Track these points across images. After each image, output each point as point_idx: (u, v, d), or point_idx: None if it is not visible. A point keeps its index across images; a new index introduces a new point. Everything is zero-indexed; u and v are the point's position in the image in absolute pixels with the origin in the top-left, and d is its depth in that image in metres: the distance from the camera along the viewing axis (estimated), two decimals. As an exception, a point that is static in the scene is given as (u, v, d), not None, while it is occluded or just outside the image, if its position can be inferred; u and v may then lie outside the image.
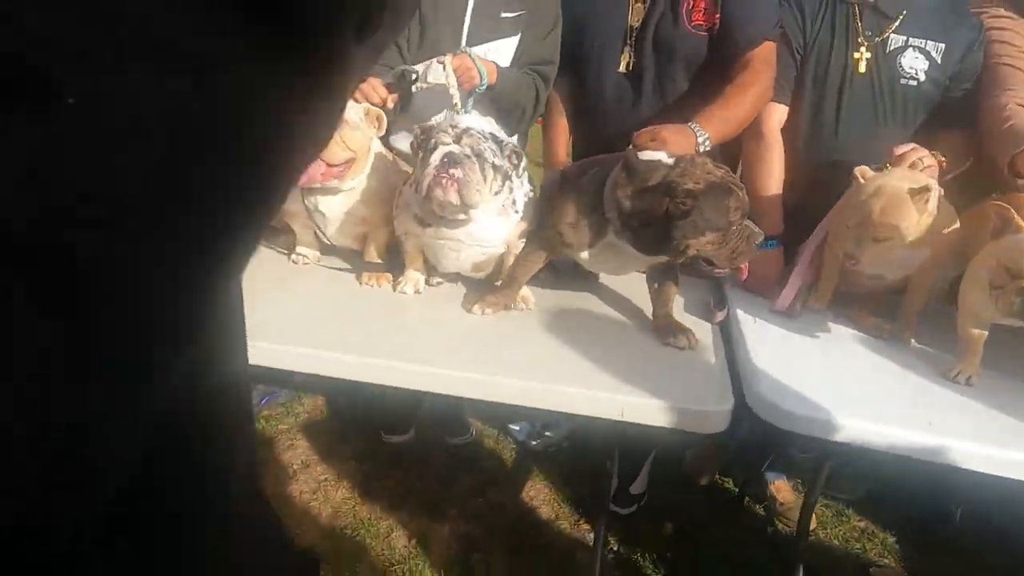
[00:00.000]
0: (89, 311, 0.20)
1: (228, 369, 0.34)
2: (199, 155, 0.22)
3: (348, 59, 0.27)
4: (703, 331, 1.48)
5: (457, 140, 1.36)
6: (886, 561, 2.04)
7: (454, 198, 1.34)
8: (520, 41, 1.78)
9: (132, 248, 0.21)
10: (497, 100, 1.75)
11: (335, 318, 1.38)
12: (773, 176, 1.75)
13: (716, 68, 1.72)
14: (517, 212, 1.49)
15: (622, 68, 1.80)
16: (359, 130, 1.52)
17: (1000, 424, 1.24)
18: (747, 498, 2.24)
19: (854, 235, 1.45)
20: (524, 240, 1.51)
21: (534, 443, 2.39)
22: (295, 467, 2.22)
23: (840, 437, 1.19)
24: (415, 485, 2.17)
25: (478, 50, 1.70)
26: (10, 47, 0.17)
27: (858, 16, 1.71)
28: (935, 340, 1.52)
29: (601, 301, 1.61)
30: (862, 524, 2.17)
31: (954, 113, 1.70)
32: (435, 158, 1.35)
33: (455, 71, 1.61)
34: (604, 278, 1.68)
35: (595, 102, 1.86)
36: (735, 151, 1.82)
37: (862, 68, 1.71)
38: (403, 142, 1.75)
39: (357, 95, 1.59)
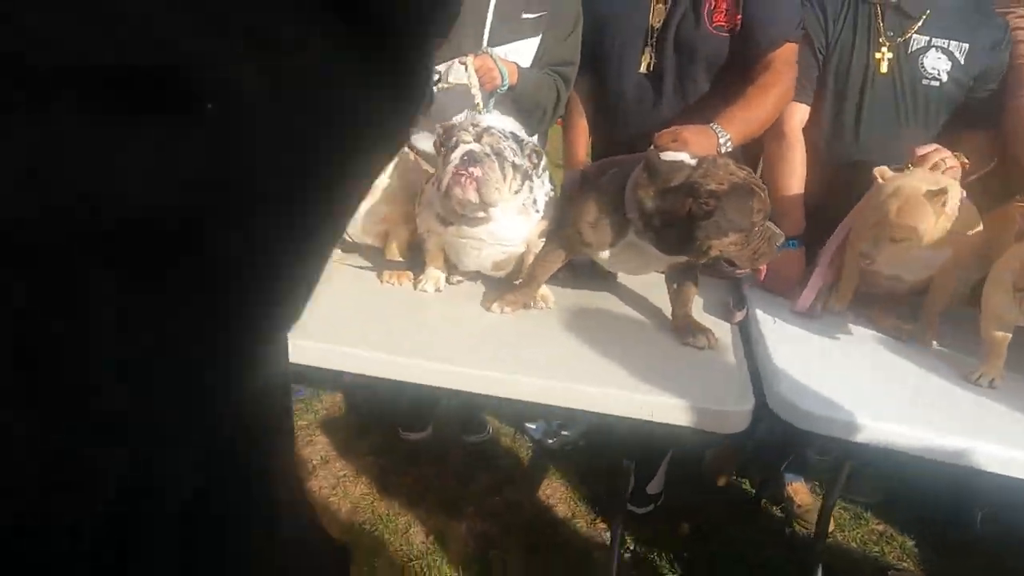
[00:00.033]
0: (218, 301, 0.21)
1: (272, 371, 0.34)
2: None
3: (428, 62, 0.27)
4: (722, 331, 1.48)
5: (478, 139, 1.37)
6: (905, 564, 2.02)
7: (473, 196, 1.35)
8: (541, 42, 1.78)
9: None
10: (518, 101, 1.75)
11: (356, 315, 1.39)
12: (795, 176, 1.74)
13: (737, 69, 1.72)
14: (538, 211, 1.49)
15: (643, 69, 1.80)
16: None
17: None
18: (764, 499, 2.23)
19: (871, 235, 1.45)
20: (544, 239, 1.52)
21: (551, 441, 2.39)
22: (314, 463, 2.24)
23: (860, 438, 1.18)
24: (433, 482, 2.18)
25: (499, 51, 1.71)
26: (10, 47, 0.17)
27: (880, 16, 1.70)
28: (957, 342, 1.51)
29: (620, 301, 1.62)
30: (881, 527, 2.15)
31: (978, 113, 1.68)
32: (455, 156, 1.35)
33: (476, 72, 1.62)
34: (622, 278, 1.68)
35: (615, 102, 1.86)
36: (756, 151, 1.82)
37: (884, 68, 1.70)
38: (425, 142, 1.76)
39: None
